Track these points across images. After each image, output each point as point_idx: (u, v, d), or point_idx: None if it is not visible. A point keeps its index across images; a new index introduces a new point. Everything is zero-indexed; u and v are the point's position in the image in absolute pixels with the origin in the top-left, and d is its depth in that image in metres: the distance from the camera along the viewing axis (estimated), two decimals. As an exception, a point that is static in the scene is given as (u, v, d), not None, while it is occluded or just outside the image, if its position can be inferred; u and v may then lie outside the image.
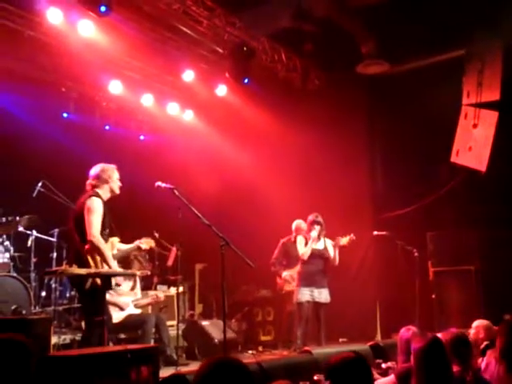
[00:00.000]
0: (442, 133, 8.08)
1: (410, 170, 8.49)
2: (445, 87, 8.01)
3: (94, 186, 5.23)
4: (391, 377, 4.20)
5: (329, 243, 7.15)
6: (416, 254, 7.39)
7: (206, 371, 2.01)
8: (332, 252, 7.09)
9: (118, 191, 5.30)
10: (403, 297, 7.84)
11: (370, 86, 8.87)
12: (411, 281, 7.43)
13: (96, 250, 4.93)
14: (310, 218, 7.13)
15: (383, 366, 4.39)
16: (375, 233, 7.87)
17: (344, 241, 7.26)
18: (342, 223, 7.79)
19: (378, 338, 8.19)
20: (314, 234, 7.00)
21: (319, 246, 7.10)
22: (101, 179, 5.24)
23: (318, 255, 7.04)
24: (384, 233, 7.73)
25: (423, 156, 8.42)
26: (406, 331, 4.34)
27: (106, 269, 4.96)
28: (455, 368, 3.42)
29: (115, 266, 5.09)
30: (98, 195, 5.14)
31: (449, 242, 7.72)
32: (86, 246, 4.92)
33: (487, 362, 3.95)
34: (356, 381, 2.73)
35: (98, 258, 4.96)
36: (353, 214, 8.47)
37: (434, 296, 7.60)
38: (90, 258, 4.93)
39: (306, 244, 7.06)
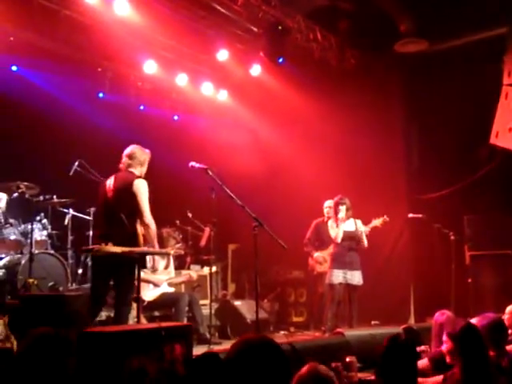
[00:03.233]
0: (481, 113, 7.87)
1: (448, 151, 8.31)
2: (485, 66, 7.78)
3: (128, 166, 5.26)
4: (424, 360, 4.18)
5: (359, 224, 7.09)
6: (452, 238, 7.27)
7: (240, 349, 2.01)
8: (362, 233, 7.04)
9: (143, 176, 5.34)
10: (438, 281, 7.74)
11: (408, 65, 8.67)
12: (447, 265, 7.32)
13: (149, 232, 5.04)
14: (335, 199, 7.08)
15: (417, 349, 4.35)
16: (410, 215, 7.75)
17: (377, 222, 7.20)
18: (376, 204, 7.70)
19: (412, 321, 8.12)
20: (341, 215, 6.94)
21: (349, 227, 7.04)
22: (136, 160, 5.27)
23: (349, 236, 6.99)
24: (419, 215, 7.61)
25: (461, 137, 8.23)
26: (441, 315, 4.30)
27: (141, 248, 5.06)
28: (490, 353, 3.37)
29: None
30: (142, 177, 5.22)
31: (486, 225, 7.56)
32: (140, 226, 5.02)
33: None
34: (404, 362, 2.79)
35: (142, 238, 5.05)
36: (387, 195, 8.36)
37: (470, 280, 7.48)
38: (140, 237, 5.04)
39: (337, 227, 7.02)
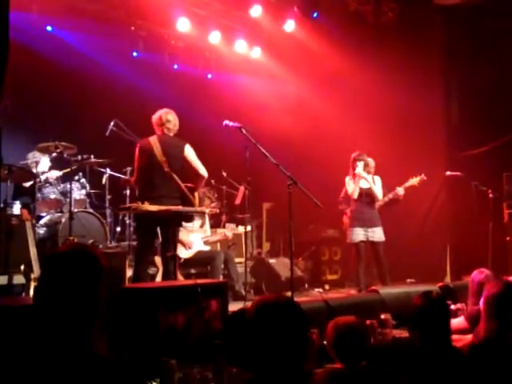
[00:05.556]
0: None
1: (488, 106, 8.07)
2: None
3: (168, 130, 5.49)
4: (461, 318, 4.16)
5: (378, 180, 6.99)
6: (491, 195, 7.14)
7: (256, 309, 2.04)
8: (379, 190, 6.93)
9: None
10: (476, 239, 7.63)
11: (448, 19, 8.36)
12: (485, 223, 7.21)
13: (203, 183, 5.64)
14: (352, 155, 6.95)
15: (452, 307, 4.33)
16: (448, 173, 7.62)
17: (414, 181, 7.09)
18: (414, 162, 7.58)
19: (448, 279, 8.08)
20: (359, 170, 6.83)
21: (366, 183, 6.93)
22: (174, 127, 5.53)
23: (367, 193, 6.90)
24: (457, 173, 7.48)
25: (503, 92, 7.97)
26: (479, 273, 4.25)
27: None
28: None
29: None
30: None
31: (527, 182, 7.39)
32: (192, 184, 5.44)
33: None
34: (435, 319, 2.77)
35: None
36: (425, 152, 8.21)
37: (508, 238, 7.37)
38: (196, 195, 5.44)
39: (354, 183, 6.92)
